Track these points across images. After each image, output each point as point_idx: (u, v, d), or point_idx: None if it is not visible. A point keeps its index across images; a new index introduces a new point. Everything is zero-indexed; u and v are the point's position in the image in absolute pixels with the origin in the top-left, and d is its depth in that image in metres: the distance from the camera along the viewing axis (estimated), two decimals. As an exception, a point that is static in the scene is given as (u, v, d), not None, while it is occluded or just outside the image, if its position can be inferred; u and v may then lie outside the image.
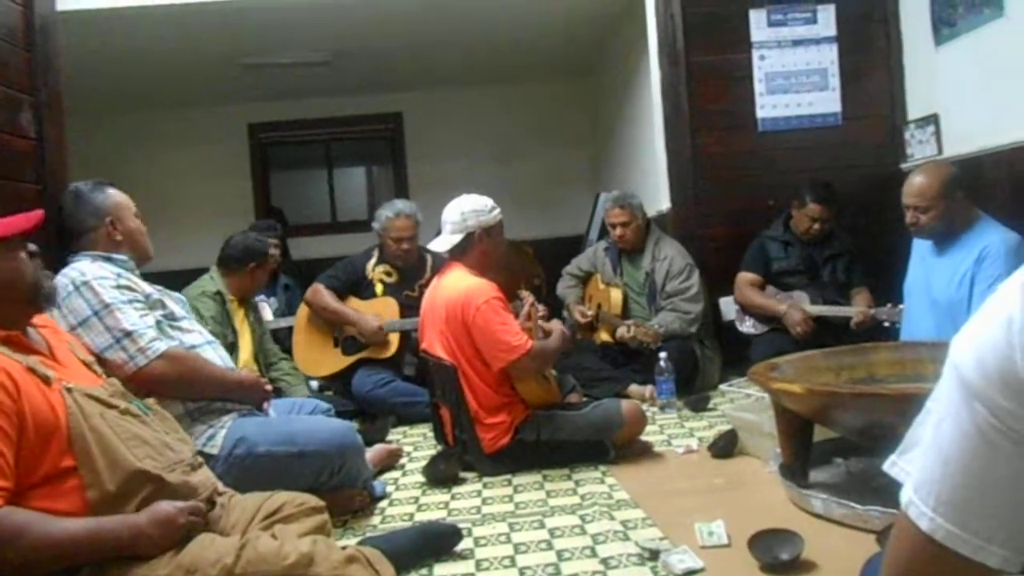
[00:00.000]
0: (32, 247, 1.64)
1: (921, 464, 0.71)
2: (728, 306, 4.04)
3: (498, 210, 2.84)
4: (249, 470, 2.09)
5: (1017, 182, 3.35)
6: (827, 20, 4.25)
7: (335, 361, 3.82)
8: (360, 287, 3.89)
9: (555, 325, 2.85)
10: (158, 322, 2.16)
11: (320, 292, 3.83)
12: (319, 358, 3.85)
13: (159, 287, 2.36)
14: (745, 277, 3.88)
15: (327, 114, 6.76)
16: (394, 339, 3.74)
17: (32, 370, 1.49)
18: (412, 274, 3.87)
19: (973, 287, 2.62)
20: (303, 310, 3.93)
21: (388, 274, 3.89)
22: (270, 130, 6.86)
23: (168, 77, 5.71)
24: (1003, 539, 0.65)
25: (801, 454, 2.18)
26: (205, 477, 1.75)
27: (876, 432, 1.85)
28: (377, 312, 3.76)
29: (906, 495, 0.71)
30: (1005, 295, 0.66)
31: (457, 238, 2.75)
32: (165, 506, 1.50)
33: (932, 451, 0.69)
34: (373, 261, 3.91)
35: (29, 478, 1.40)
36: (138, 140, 6.47)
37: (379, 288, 3.86)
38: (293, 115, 6.75)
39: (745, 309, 3.90)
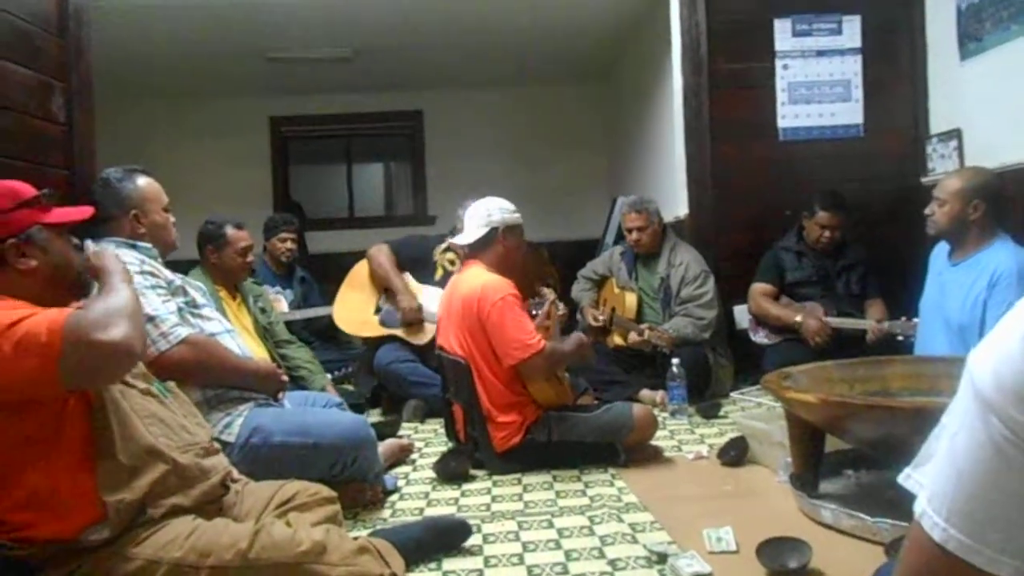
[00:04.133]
0: (75, 240, 1.70)
1: (935, 475, 0.71)
2: (742, 314, 4.04)
3: (519, 215, 2.89)
4: (264, 459, 2.12)
5: (1037, 200, 3.34)
6: (852, 31, 4.25)
7: (369, 326, 3.87)
8: (421, 265, 3.95)
9: (575, 335, 2.87)
10: (179, 309, 2.19)
11: (383, 250, 3.93)
12: (357, 317, 3.91)
13: (181, 275, 2.40)
14: (759, 288, 3.88)
15: (348, 110, 6.81)
16: (430, 329, 3.74)
17: None
18: None
19: (986, 311, 2.61)
20: (360, 265, 4.00)
21: (452, 263, 3.93)
22: (292, 124, 6.91)
23: (194, 68, 5.77)
24: (1015, 550, 0.66)
25: (812, 464, 2.19)
26: (218, 462, 1.77)
27: (889, 444, 1.86)
28: (427, 298, 3.81)
29: (920, 506, 0.72)
30: (1022, 311, 0.67)
31: (481, 232, 2.78)
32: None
33: (946, 463, 0.70)
34: (443, 246, 3.97)
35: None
36: (162, 127, 6.54)
37: (439, 272, 3.92)
38: (314, 110, 6.80)
39: (759, 320, 3.89)
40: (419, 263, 3.93)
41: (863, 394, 2.32)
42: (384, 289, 3.92)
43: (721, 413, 3.44)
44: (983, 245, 2.77)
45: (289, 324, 3.89)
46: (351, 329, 3.93)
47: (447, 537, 2.01)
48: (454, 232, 3.42)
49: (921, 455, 0.78)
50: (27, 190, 1.59)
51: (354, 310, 3.91)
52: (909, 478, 0.79)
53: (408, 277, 3.89)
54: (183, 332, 2.10)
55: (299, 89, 6.50)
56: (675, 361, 3.41)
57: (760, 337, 3.89)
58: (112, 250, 2.18)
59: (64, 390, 1.40)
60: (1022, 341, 0.64)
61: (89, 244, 2.01)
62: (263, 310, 3.36)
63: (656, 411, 3.39)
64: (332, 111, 6.81)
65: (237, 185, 6.60)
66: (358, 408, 3.52)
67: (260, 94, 6.58)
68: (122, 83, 5.66)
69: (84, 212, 1.72)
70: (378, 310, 3.90)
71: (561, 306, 3.00)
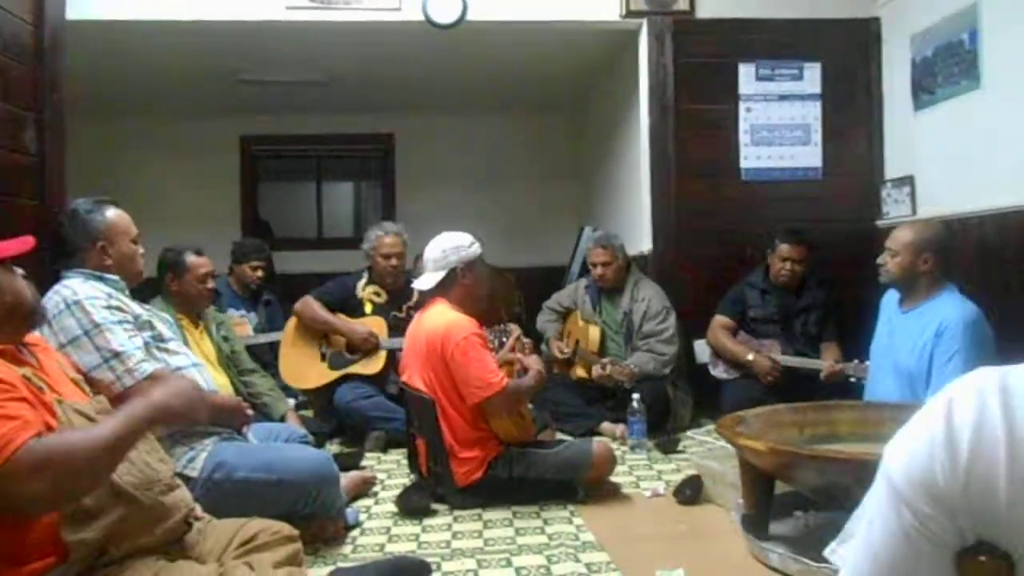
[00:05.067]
0: (20, 271, 1.69)
1: (854, 558, 0.78)
2: (702, 349, 4.14)
3: (477, 244, 2.91)
4: (226, 495, 2.14)
5: (982, 248, 3.49)
6: (813, 78, 4.40)
7: (321, 375, 3.88)
8: (350, 306, 3.97)
9: (533, 363, 2.92)
10: (146, 343, 2.21)
11: (310, 303, 3.90)
12: (306, 371, 3.90)
13: (148, 307, 2.41)
14: (719, 320, 3.98)
15: (320, 131, 6.83)
16: (381, 356, 3.81)
17: (28, 379, 1.55)
18: (400, 296, 3.96)
19: (932, 360, 2.72)
20: (292, 323, 3.99)
21: (377, 294, 3.97)
22: (262, 143, 6.91)
23: (165, 87, 5.76)
24: (925, 632, 0.73)
25: (762, 506, 2.26)
26: (181, 499, 1.79)
27: (831, 492, 1.94)
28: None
29: (841, 583, 0.79)
30: (931, 412, 0.74)
31: (439, 275, 2.83)
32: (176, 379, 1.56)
33: (864, 547, 0.77)
34: (363, 281, 4.00)
35: None
36: (131, 146, 6.51)
37: (368, 308, 3.95)
38: (286, 130, 6.81)
39: (716, 352, 3.99)
40: (347, 304, 3.96)
41: (812, 438, 2.41)
42: (323, 336, 3.94)
43: (680, 448, 3.52)
44: (932, 295, 2.88)
45: (253, 347, 3.89)
46: (305, 383, 3.91)
47: (407, 576, 2.04)
48: (418, 261, 3.46)
49: (845, 531, 0.85)
50: None
51: (301, 363, 3.91)
52: (834, 552, 0.86)
53: (343, 318, 3.92)
54: (148, 368, 2.12)
55: (270, 109, 6.51)
56: (635, 396, 3.48)
57: (719, 372, 3.98)
58: (79, 283, 2.19)
59: None
60: (930, 441, 0.72)
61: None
62: (226, 338, 3.35)
63: (616, 445, 3.47)
64: (303, 132, 6.83)
65: (206, 203, 6.58)
66: (320, 437, 3.53)
67: (231, 113, 6.58)
68: (92, 99, 5.62)
69: (24, 244, 1.66)
70: (323, 356, 3.92)
71: (527, 341, 3.06)
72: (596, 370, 3.83)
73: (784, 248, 3.85)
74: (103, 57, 4.78)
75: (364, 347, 3.80)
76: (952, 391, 0.74)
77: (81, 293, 2.15)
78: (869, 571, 0.76)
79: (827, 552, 0.86)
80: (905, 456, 0.74)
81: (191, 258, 3.23)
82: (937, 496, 0.70)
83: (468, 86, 6.04)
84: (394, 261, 3.92)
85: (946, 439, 0.70)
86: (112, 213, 2.34)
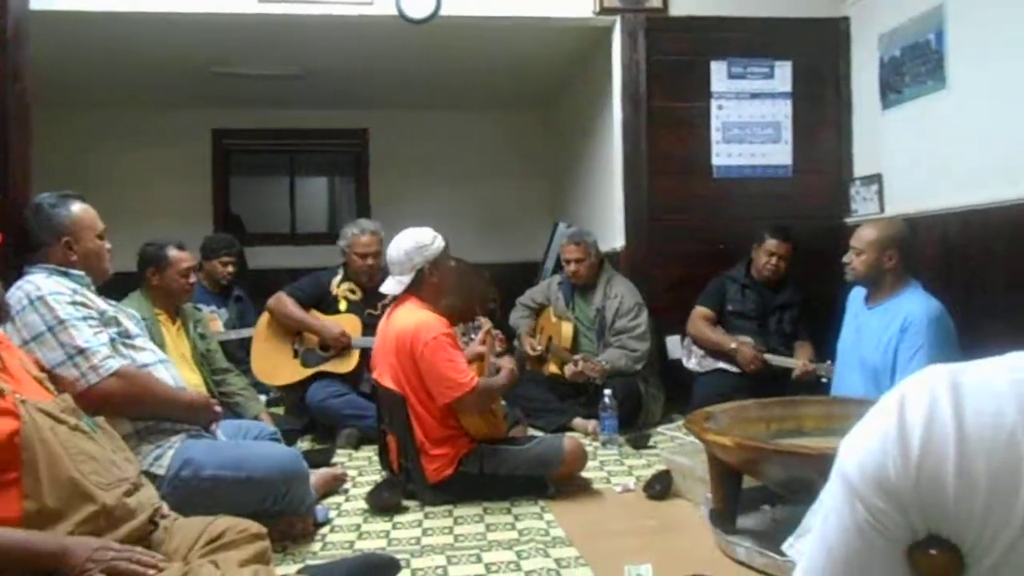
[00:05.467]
0: None
1: (810, 552, 0.80)
2: (674, 345, 4.17)
3: (439, 238, 2.88)
4: (194, 492, 2.12)
5: (946, 245, 3.55)
6: (784, 76, 4.44)
7: (293, 371, 3.85)
8: (324, 303, 3.94)
9: (505, 362, 2.92)
10: (112, 340, 2.18)
11: (283, 300, 3.87)
12: (278, 367, 3.88)
13: (114, 303, 2.38)
14: (700, 311, 4.00)
15: (293, 125, 6.77)
16: (354, 355, 3.79)
17: None
18: (375, 293, 3.92)
19: (897, 355, 2.77)
20: (264, 318, 3.96)
21: (352, 292, 3.95)
22: (235, 137, 6.84)
23: (135, 79, 5.68)
24: (877, 624, 0.75)
25: (730, 500, 2.29)
26: (147, 498, 1.77)
27: (797, 486, 1.97)
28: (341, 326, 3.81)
29: (797, 577, 0.80)
30: (885, 408, 0.75)
31: (406, 279, 2.81)
32: (88, 543, 1.48)
33: (819, 541, 0.79)
34: (339, 278, 3.97)
35: None
36: (101, 138, 6.41)
37: (343, 305, 3.92)
38: (259, 124, 6.74)
39: (696, 341, 4.01)
40: (321, 301, 3.93)
41: (779, 433, 2.44)
42: (296, 333, 3.91)
43: (651, 444, 3.54)
44: (897, 291, 2.94)
45: (224, 344, 3.86)
46: (277, 380, 3.88)
47: (376, 573, 2.04)
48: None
49: (802, 526, 0.87)
50: None
51: (273, 359, 3.88)
52: (792, 547, 0.88)
53: (317, 314, 3.90)
54: (114, 364, 2.09)
55: (244, 102, 6.44)
56: (607, 392, 3.50)
57: (693, 364, 4.01)
58: (43, 278, 2.16)
59: None
60: (883, 437, 0.73)
61: None
62: (202, 336, 3.33)
63: (588, 440, 3.50)
64: (277, 126, 6.77)
65: (177, 197, 6.50)
66: (292, 434, 3.52)
67: (203, 106, 6.50)
68: (61, 91, 5.54)
69: None
70: (296, 353, 3.90)
71: (498, 333, 3.05)
72: (569, 368, 3.84)
73: (772, 243, 3.89)
74: (69, 48, 4.70)
75: (336, 346, 3.78)
76: (905, 388, 0.75)
77: (45, 289, 2.11)
78: (824, 565, 0.77)
79: (785, 547, 0.88)
80: (859, 451, 0.75)
81: (173, 252, 3.22)
82: (889, 491, 0.71)
83: (442, 82, 6.02)
84: (370, 260, 3.89)
85: (898, 435, 0.72)
86: (77, 208, 2.31)
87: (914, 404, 0.72)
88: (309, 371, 3.81)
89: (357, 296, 3.95)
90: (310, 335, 3.85)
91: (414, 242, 2.82)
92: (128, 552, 1.51)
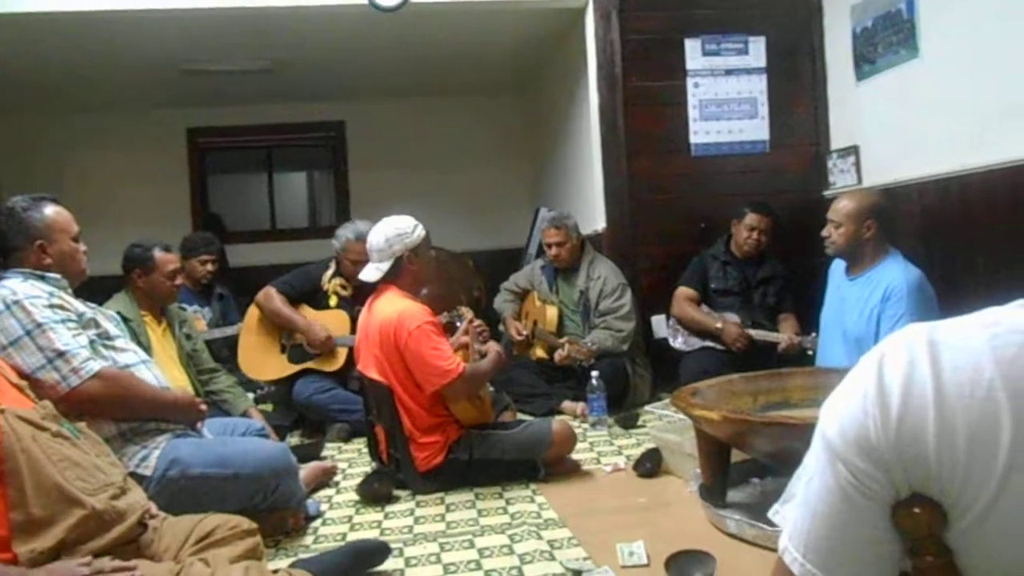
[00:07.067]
0: None
1: (795, 515, 0.80)
2: (659, 324, 4.18)
3: (420, 227, 2.87)
4: (182, 492, 2.11)
5: (925, 213, 3.58)
6: (758, 52, 4.44)
7: (280, 367, 3.83)
8: (314, 297, 3.91)
9: (491, 347, 2.92)
10: (91, 341, 2.16)
11: (272, 296, 3.84)
12: (264, 362, 3.85)
13: (93, 305, 2.35)
14: (683, 292, 4.01)
15: (268, 120, 6.71)
16: (342, 353, 3.75)
17: None
18: (367, 290, 3.89)
19: (880, 324, 2.79)
20: (253, 312, 3.93)
21: (343, 287, 3.91)
22: (210, 135, 6.77)
23: (107, 80, 5.60)
24: (861, 582, 0.75)
25: (719, 475, 2.30)
26: (135, 500, 1.76)
27: (784, 457, 1.98)
28: (328, 324, 3.78)
29: (783, 542, 0.81)
30: (863, 370, 0.76)
31: (385, 266, 2.80)
32: (67, 565, 1.47)
33: (803, 505, 0.79)
34: (330, 273, 3.94)
35: None
36: (75, 142, 6.33)
37: (333, 300, 3.89)
38: (233, 121, 6.66)
39: (681, 322, 4.03)
40: (311, 295, 3.90)
41: (766, 406, 2.45)
42: (284, 328, 3.89)
43: (640, 423, 3.56)
44: (877, 261, 2.96)
45: (208, 342, 3.83)
46: (263, 375, 3.86)
47: (368, 559, 2.04)
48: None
49: (787, 493, 0.87)
50: None
51: (260, 353, 3.85)
52: (777, 514, 0.88)
53: (307, 308, 3.87)
54: (95, 366, 2.07)
55: (217, 100, 6.37)
56: (594, 374, 3.51)
57: (679, 343, 4.02)
58: (19, 282, 2.13)
59: None
60: (863, 398, 0.73)
61: None
62: (188, 336, 3.31)
63: (577, 423, 3.51)
64: (252, 122, 6.70)
65: (154, 199, 6.44)
66: (280, 430, 3.50)
67: (176, 105, 6.42)
68: (34, 95, 5.47)
69: None
70: (283, 348, 3.88)
71: (479, 323, 3.05)
72: (559, 354, 3.84)
73: (752, 217, 3.90)
74: (39, 54, 4.63)
75: (321, 349, 3.76)
76: (883, 348, 0.75)
77: (21, 293, 2.08)
78: (808, 528, 0.77)
79: (770, 513, 0.87)
80: (839, 414, 0.75)
81: (159, 254, 3.20)
82: (870, 451, 0.71)
83: (417, 70, 5.97)
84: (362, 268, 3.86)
85: (878, 394, 0.72)
86: (51, 210, 2.27)
87: (892, 364, 0.73)
88: (295, 368, 3.79)
89: (348, 292, 3.91)
90: (305, 332, 3.81)
91: (394, 230, 2.80)
92: (98, 565, 1.49)
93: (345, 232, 3.88)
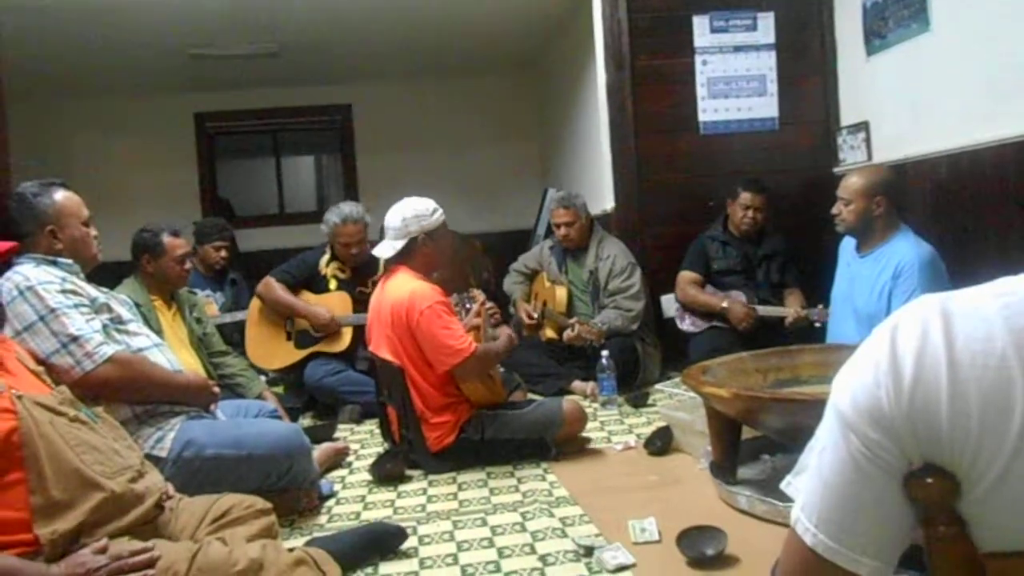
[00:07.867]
0: None
1: (807, 487, 0.80)
2: (669, 303, 4.17)
3: (440, 212, 2.88)
4: (197, 472, 2.13)
5: (937, 189, 3.54)
6: (767, 28, 4.40)
7: (288, 354, 3.86)
8: (314, 282, 3.94)
9: (503, 331, 2.93)
10: (104, 326, 2.17)
11: (272, 285, 3.86)
12: (272, 351, 3.88)
13: (105, 290, 2.37)
14: (686, 276, 4.01)
15: (275, 104, 6.71)
16: (347, 333, 3.79)
17: None
18: (365, 270, 3.92)
19: (891, 300, 2.78)
20: (255, 304, 3.96)
21: (341, 270, 3.94)
22: (218, 120, 6.78)
23: (115, 66, 5.62)
24: (873, 552, 0.76)
25: (730, 452, 2.31)
26: (152, 483, 1.78)
27: (794, 433, 1.98)
28: (331, 306, 3.81)
29: (795, 513, 0.81)
30: (876, 341, 0.76)
31: (400, 244, 2.80)
32: (83, 554, 1.49)
33: (815, 476, 0.79)
34: (327, 257, 3.96)
35: None
36: (85, 127, 6.37)
37: (333, 284, 3.92)
38: (241, 105, 6.68)
39: (687, 307, 4.03)
40: (311, 281, 3.93)
41: (776, 383, 2.45)
42: (288, 315, 3.92)
43: (650, 402, 3.56)
44: (887, 238, 2.94)
45: (221, 327, 3.85)
46: (272, 363, 3.90)
47: (384, 542, 2.06)
48: (383, 233, 3.43)
49: (799, 465, 0.87)
50: None
51: (267, 343, 3.89)
52: (790, 485, 0.88)
53: (307, 294, 3.89)
54: (108, 350, 2.09)
55: (225, 84, 6.38)
56: (604, 353, 3.51)
57: (687, 325, 4.02)
58: (31, 268, 2.14)
59: None
60: (876, 368, 0.73)
61: None
62: (199, 320, 3.33)
63: (587, 402, 3.52)
64: (259, 106, 6.71)
65: (163, 184, 6.47)
66: (294, 411, 3.53)
67: (184, 90, 6.44)
68: (43, 81, 5.48)
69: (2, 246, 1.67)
70: (289, 335, 3.90)
71: (492, 305, 3.06)
72: (568, 334, 3.84)
73: (746, 196, 3.88)
74: (50, 39, 4.64)
75: (326, 331, 3.78)
76: (896, 318, 0.75)
77: (34, 279, 2.10)
78: (820, 498, 0.78)
79: (783, 485, 0.88)
80: (852, 384, 0.75)
81: (168, 239, 3.20)
82: (882, 421, 0.72)
83: (424, 51, 5.95)
84: (354, 250, 3.86)
85: (890, 365, 0.72)
86: (61, 196, 2.28)
87: (905, 334, 0.73)
88: (303, 353, 3.82)
89: (346, 274, 3.93)
90: (308, 316, 3.84)
91: (412, 210, 2.81)
92: (116, 551, 1.50)
93: (331, 216, 3.89)
